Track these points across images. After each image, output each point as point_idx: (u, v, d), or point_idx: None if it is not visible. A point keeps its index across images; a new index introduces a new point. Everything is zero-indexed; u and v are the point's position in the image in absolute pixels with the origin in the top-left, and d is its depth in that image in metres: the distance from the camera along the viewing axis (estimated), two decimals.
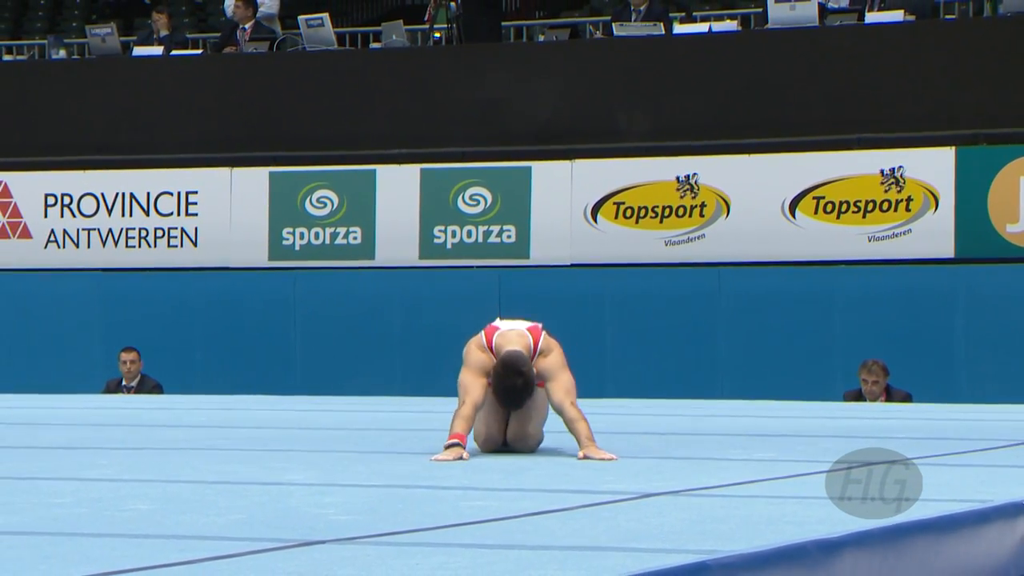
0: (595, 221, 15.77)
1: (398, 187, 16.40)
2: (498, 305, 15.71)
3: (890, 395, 13.91)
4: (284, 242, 16.71)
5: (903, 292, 15.14)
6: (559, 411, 7.51)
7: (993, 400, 13.43)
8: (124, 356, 15.44)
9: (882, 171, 15.40)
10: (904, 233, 15.31)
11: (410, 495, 6.16)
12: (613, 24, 17.44)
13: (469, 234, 16.25)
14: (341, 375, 15.93)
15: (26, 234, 17.19)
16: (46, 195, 17.19)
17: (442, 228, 16.35)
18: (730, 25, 17.50)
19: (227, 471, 7.06)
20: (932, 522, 5.21)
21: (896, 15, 16.47)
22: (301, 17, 18.30)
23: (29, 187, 17.22)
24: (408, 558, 4.53)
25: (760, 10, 17.55)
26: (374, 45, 18.69)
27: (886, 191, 15.36)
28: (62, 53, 19.29)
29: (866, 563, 4.80)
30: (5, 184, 17.22)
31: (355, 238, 16.56)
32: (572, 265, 15.81)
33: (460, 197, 16.22)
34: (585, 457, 7.33)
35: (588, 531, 5.15)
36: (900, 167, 15.33)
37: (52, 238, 17.14)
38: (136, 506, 5.68)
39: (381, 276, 16.39)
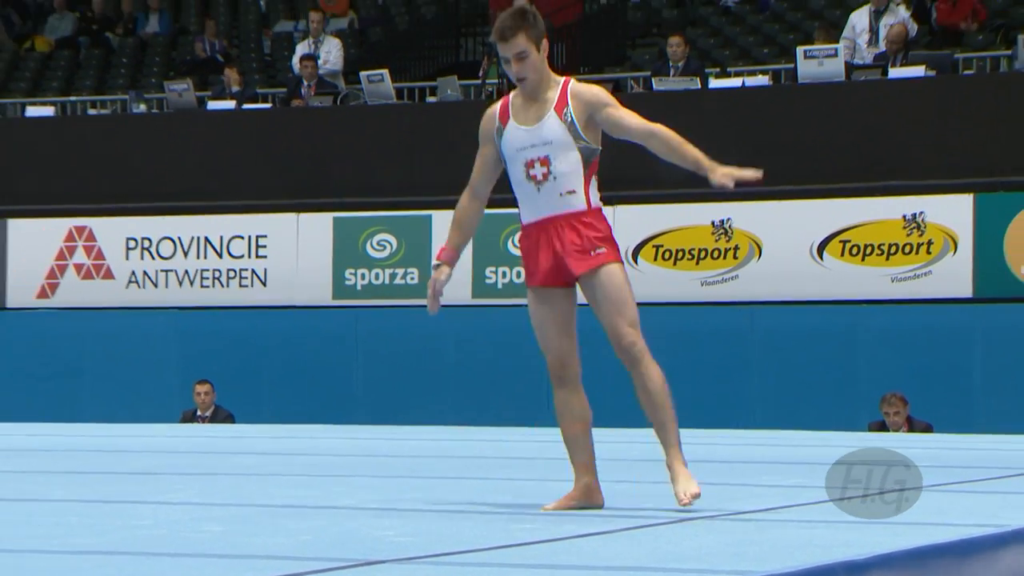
0: (636, 262, 15.76)
1: None
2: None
3: (912, 426, 13.84)
4: (346, 282, 16.76)
5: (924, 329, 15.07)
6: (642, 135, 6.27)
7: (1010, 431, 13.34)
8: (199, 388, 15.49)
9: (904, 216, 15.35)
10: (925, 274, 15.25)
11: (463, 518, 6.15)
12: (652, 79, 17.46)
13: (517, 274, 16.26)
14: (399, 406, 15.94)
15: (109, 275, 17.29)
16: (127, 239, 17.28)
17: (493, 269, 16.37)
18: (762, 80, 17.50)
19: (294, 495, 7.07)
20: (953, 545, 5.18)
21: (918, 70, 16.44)
22: (363, 73, 18.38)
23: (112, 232, 17.31)
24: None
25: (791, 66, 17.54)
26: (430, 99, 18.75)
27: (908, 235, 15.31)
28: (142, 107, 19.43)
29: None
30: (90, 229, 17.32)
31: (412, 278, 16.59)
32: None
33: (510, 240, 16.23)
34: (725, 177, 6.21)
35: (629, 553, 5.14)
36: (921, 212, 15.28)
37: (133, 279, 17.23)
38: (210, 528, 5.70)
39: (436, 314, 16.37)
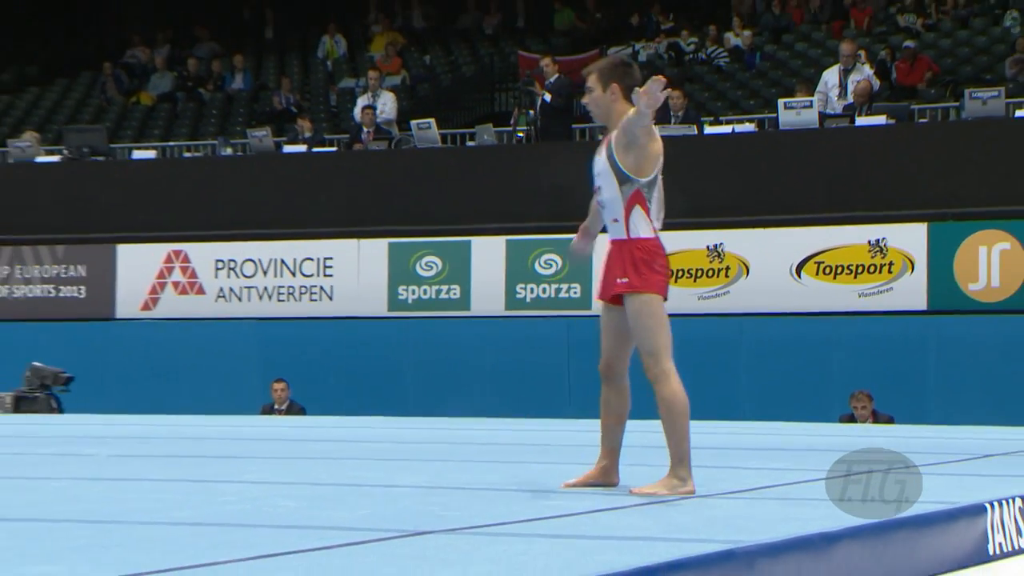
0: None
1: (488, 254, 16.42)
2: (567, 348, 15.72)
3: (876, 418, 13.78)
4: (399, 297, 16.76)
5: (886, 337, 15.01)
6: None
7: (959, 422, 13.27)
8: (276, 386, 15.51)
9: (869, 241, 15.29)
10: (887, 290, 15.18)
11: (498, 495, 6.14)
12: (656, 126, 17.41)
13: (544, 290, 16.25)
14: (443, 401, 15.93)
15: (200, 291, 17.33)
16: (216, 261, 17.33)
17: (523, 285, 16.36)
18: (749, 127, 17.46)
19: (355, 476, 7.07)
20: (911, 519, 5.16)
21: (880, 119, 16.40)
22: (413, 121, 18.40)
23: (203, 255, 17.36)
24: (498, 546, 4.52)
25: (773, 115, 17.51)
26: (470, 143, 18.77)
27: (872, 257, 15.25)
28: (229, 151, 19.48)
29: (859, 552, 4.76)
30: (185, 253, 17.37)
31: (455, 294, 16.58)
32: None
33: (537, 262, 16.22)
34: None
35: (639, 525, 5.13)
36: (884, 238, 15.22)
37: (220, 294, 17.27)
38: (285, 503, 5.69)
39: (475, 324, 16.40)
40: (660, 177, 6.06)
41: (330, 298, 16.95)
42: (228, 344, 16.98)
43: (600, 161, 6.02)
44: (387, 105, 19.88)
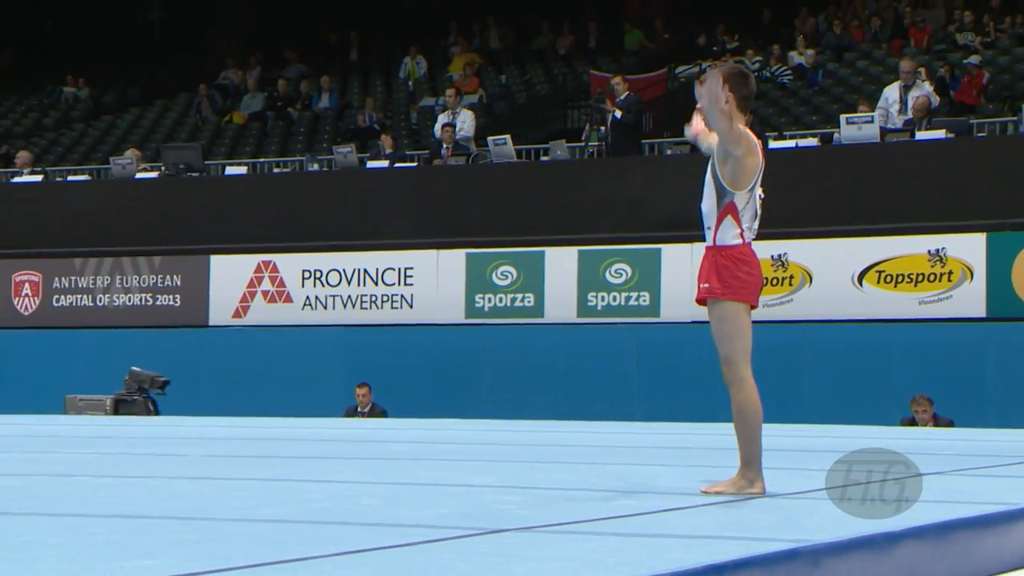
0: None
1: (561, 263, 16.40)
2: (636, 354, 15.66)
3: (936, 422, 13.60)
4: (476, 305, 16.77)
5: (946, 343, 14.83)
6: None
7: (1018, 426, 13.07)
8: (359, 390, 15.56)
9: (929, 251, 15.11)
10: (947, 298, 15.00)
11: (571, 495, 6.11)
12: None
13: (614, 299, 16.20)
14: (518, 405, 15.92)
15: (288, 300, 17.44)
16: (303, 270, 17.43)
17: (594, 294, 16.31)
18: (812, 142, 17.32)
19: (434, 476, 7.06)
20: (973, 520, 5.07)
21: (939, 133, 16.21)
22: (490, 138, 18.43)
23: (291, 265, 17.47)
24: (571, 544, 4.48)
25: (835, 130, 17.35)
26: (543, 158, 18.75)
27: (932, 266, 15.07)
28: (315, 166, 19.59)
29: (921, 551, 4.68)
30: (274, 263, 17.49)
31: (529, 302, 16.57)
32: (692, 322, 15.66)
33: (607, 271, 16.17)
34: None
35: (704, 525, 5.08)
36: (943, 248, 15.04)
37: (307, 302, 17.36)
38: (368, 502, 5.69)
39: (548, 330, 16.38)
40: (759, 189, 5.86)
41: (410, 306, 16.98)
42: (314, 349, 17.07)
43: (707, 171, 5.87)
44: (466, 123, 19.91)
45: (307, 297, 17.34)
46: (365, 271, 17.19)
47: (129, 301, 17.96)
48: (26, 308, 18.24)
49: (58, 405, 15.96)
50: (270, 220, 17.88)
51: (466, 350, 16.56)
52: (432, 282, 16.93)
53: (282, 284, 17.42)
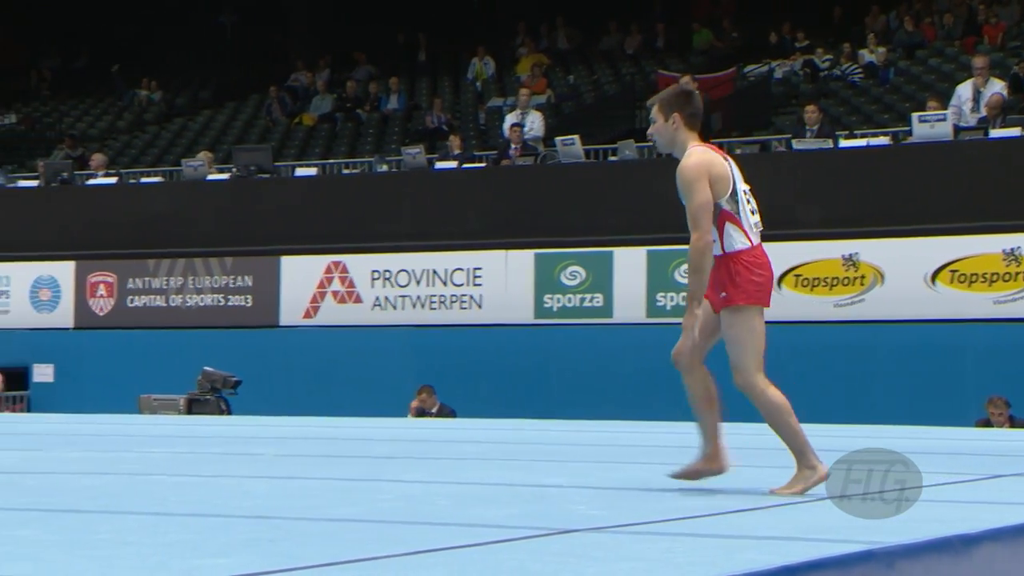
0: (779, 288, 15.52)
1: (630, 264, 16.35)
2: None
3: (1013, 423, 13.41)
4: (545, 305, 16.76)
5: (1021, 344, 14.62)
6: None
7: None
8: (426, 391, 15.58)
9: (1003, 250, 14.91)
10: (1021, 298, 14.79)
11: (641, 495, 6.08)
12: (792, 140, 17.21)
13: (683, 299, 16.12)
14: (587, 404, 15.89)
15: (358, 300, 17.52)
16: (372, 271, 17.50)
17: (663, 294, 16.24)
18: (883, 140, 17.15)
19: (503, 476, 7.06)
20: None
21: (1014, 131, 16.00)
22: (558, 138, 18.41)
23: (360, 266, 17.55)
24: (642, 544, 4.46)
25: (907, 128, 17.18)
26: (612, 158, 18.71)
27: (1006, 266, 14.87)
28: (384, 167, 19.66)
29: (1000, 554, 4.61)
30: (344, 264, 17.58)
31: (597, 302, 16.53)
32: (768, 322, 15.59)
33: (676, 271, 16.10)
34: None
35: (778, 525, 5.03)
36: (1018, 247, 14.83)
37: (377, 303, 17.44)
38: (439, 502, 5.70)
39: (616, 331, 16.34)
40: (745, 188, 5.92)
41: (479, 306, 17.00)
42: (383, 350, 17.13)
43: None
44: (534, 123, 19.91)
45: (376, 298, 17.40)
46: (434, 272, 17.23)
47: (202, 302, 18.12)
48: (101, 309, 18.46)
49: (132, 405, 16.13)
50: (340, 221, 17.96)
51: (534, 350, 16.55)
52: (501, 283, 16.94)
53: (352, 285, 17.50)
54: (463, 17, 29.87)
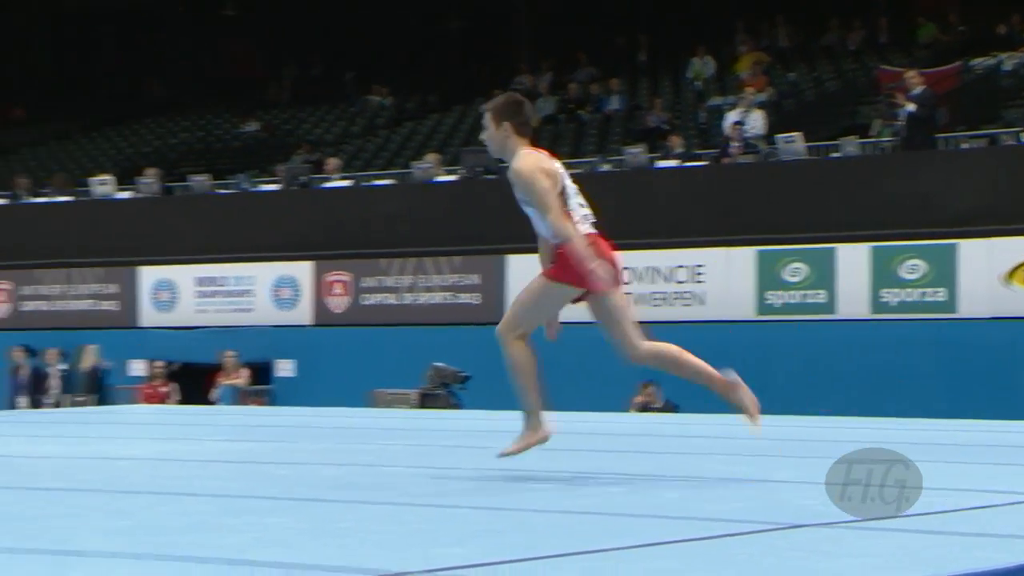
0: (1009, 284, 15.00)
1: (853, 260, 16.03)
2: (936, 349, 15.16)
3: None
4: (767, 302, 16.55)
5: None
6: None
7: None
8: (651, 386, 15.54)
9: None
10: None
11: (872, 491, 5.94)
12: (1021, 134, 16.60)
13: (908, 295, 15.73)
14: (810, 400, 15.59)
15: None
16: None
17: (887, 290, 15.87)
18: None
19: (730, 470, 7.00)
20: None
21: None
22: (778, 136, 18.15)
23: None
24: (873, 539, 4.37)
25: None
26: (834, 155, 18.36)
27: None
28: (606, 167, 19.66)
29: None
30: None
31: (820, 298, 16.25)
32: (990, 318, 15.09)
33: (901, 267, 15.71)
34: None
35: (1016, 523, 4.85)
36: None
37: None
38: (667, 495, 5.68)
39: (840, 327, 16.02)
40: (572, 187, 6.26)
41: (701, 303, 16.89)
42: (603, 346, 17.12)
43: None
44: (756, 121, 19.68)
45: None
46: (656, 269, 17.18)
47: (431, 299, 18.44)
48: (337, 307, 18.96)
49: (366, 399, 16.50)
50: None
51: (757, 347, 16.35)
52: (723, 280, 16.79)
53: None
54: (682, 17, 29.71)
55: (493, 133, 6.24)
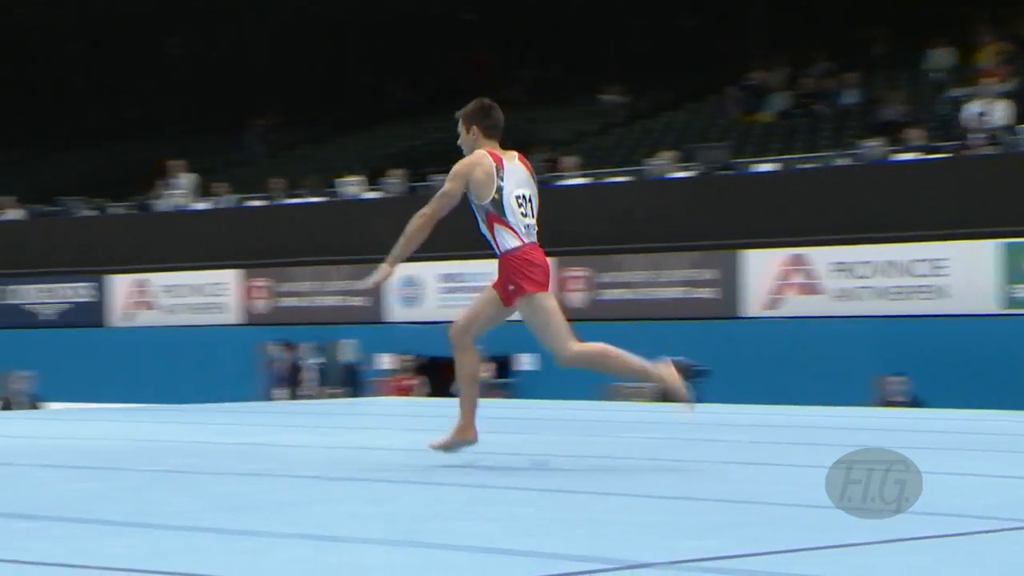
0: None
1: None
2: None
3: None
4: (1012, 295, 16.02)
5: None
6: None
7: None
8: (893, 379, 15.21)
9: None
10: None
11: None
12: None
13: None
14: None
15: (819, 292, 17.33)
16: (832, 263, 17.28)
17: None
18: None
19: (974, 467, 6.79)
20: None
21: None
22: (1020, 126, 17.53)
23: (820, 258, 17.36)
24: None
25: None
26: None
27: None
28: (842, 161, 19.30)
29: None
30: (804, 256, 17.43)
31: None
32: None
33: None
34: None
35: None
36: None
37: (837, 294, 17.20)
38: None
39: None
40: (522, 194, 6.40)
41: (943, 296, 16.45)
42: (843, 340, 16.86)
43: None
44: (999, 112, 19.03)
45: (837, 289, 17.16)
46: (895, 263, 16.81)
47: (667, 295, 18.43)
48: (576, 302, 19.13)
49: (602, 393, 16.60)
50: (799, 215, 17.81)
51: (1001, 341, 15.84)
52: (963, 272, 16.31)
53: (812, 276, 17.33)
54: (920, 8, 28.91)
55: (464, 137, 6.54)
